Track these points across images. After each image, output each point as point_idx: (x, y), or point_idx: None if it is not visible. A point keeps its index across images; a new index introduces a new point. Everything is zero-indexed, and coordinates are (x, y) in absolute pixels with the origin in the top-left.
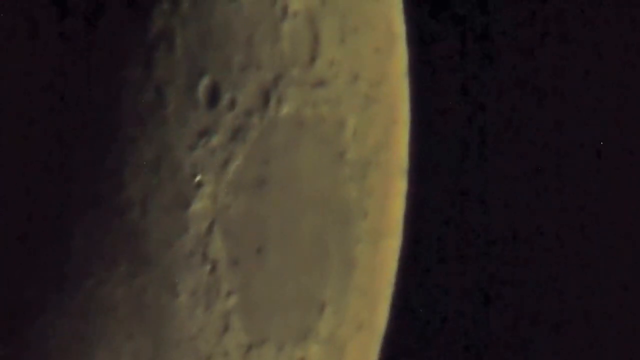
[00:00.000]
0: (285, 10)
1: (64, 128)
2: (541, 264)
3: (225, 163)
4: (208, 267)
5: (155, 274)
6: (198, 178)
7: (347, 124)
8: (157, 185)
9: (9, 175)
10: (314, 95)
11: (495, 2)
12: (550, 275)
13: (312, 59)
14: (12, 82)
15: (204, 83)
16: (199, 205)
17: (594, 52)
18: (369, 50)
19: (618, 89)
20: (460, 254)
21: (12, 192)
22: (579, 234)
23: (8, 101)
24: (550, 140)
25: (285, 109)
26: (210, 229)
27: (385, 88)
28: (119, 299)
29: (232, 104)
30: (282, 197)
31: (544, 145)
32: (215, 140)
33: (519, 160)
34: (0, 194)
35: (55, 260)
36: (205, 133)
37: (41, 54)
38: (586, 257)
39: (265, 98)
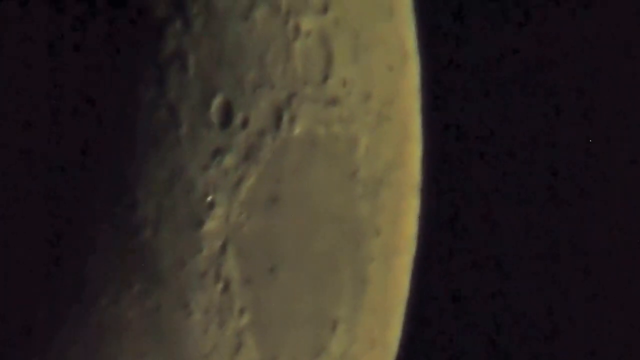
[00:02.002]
0: (297, 29)
1: (77, 148)
2: (556, 283)
3: (238, 182)
4: (221, 286)
5: (169, 292)
6: (211, 198)
7: (360, 142)
8: (170, 205)
9: (23, 196)
10: (327, 113)
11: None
12: (570, 300)
13: (325, 77)
14: (27, 101)
15: (217, 102)
16: (212, 224)
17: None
18: (382, 68)
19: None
20: (473, 271)
21: (27, 213)
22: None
23: (22, 125)
24: (567, 162)
25: (298, 128)
26: (223, 248)
27: (397, 106)
28: (133, 318)
29: (245, 123)
30: (295, 216)
31: (560, 165)
32: (228, 159)
33: (532, 175)
34: (15, 215)
35: (70, 279)
36: (218, 153)
37: (55, 71)
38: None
39: (277, 117)
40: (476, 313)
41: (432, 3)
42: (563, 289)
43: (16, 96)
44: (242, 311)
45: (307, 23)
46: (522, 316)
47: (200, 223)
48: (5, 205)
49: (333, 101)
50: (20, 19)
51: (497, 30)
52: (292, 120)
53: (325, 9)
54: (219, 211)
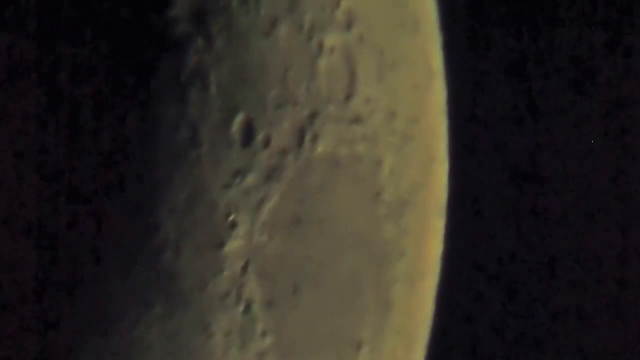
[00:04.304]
0: (321, 46)
1: (97, 168)
2: (581, 305)
3: (260, 202)
4: (242, 307)
5: (190, 314)
6: (232, 218)
7: (384, 162)
8: (191, 225)
9: (44, 216)
10: (350, 133)
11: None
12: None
13: (348, 95)
14: (46, 119)
15: (239, 121)
16: (234, 245)
17: None
18: (407, 86)
19: None
20: (496, 292)
21: (47, 233)
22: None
23: (42, 144)
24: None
25: (321, 148)
26: (244, 269)
27: (422, 125)
28: (154, 340)
29: (267, 142)
30: (318, 237)
31: (584, 184)
32: (250, 179)
33: (555, 198)
34: (35, 237)
35: (92, 301)
36: (240, 172)
37: (75, 90)
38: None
39: (300, 136)
40: (501, 335)
41: (456, 20)
42: (588, 307)
43: (35, 113)
44: (264, 333)
45: (331, 39)
46: (549, 338)
47: (221, 243)
48: (25, 226)
49: (356, 120)
50: (41, 41)
51: (523, 43)
52: (315, 139)
53: (349, 26)
54: (240, 231)
